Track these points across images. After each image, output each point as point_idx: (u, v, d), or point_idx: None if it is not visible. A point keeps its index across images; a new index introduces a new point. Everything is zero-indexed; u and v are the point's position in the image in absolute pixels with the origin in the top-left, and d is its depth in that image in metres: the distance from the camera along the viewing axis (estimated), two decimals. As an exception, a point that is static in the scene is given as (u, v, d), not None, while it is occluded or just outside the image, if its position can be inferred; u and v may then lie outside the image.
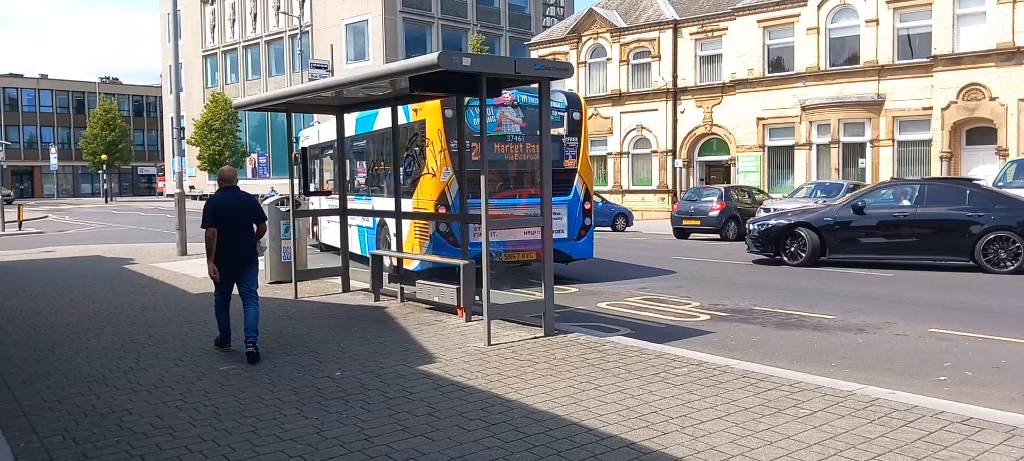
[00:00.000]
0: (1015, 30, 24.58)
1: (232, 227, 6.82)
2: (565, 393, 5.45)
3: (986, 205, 13.27)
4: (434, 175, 11.32)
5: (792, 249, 14.53)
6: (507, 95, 11.55)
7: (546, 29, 47.46)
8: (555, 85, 11.85)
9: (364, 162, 15.31)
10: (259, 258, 7.23)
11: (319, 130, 17.78)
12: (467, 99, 11.10)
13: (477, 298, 7.72)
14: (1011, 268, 12.75)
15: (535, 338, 7.21)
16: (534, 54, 37.95)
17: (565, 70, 7.76)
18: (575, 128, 12.55)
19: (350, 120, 14.16)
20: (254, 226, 7.02)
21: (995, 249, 12.96)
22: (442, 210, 11.10)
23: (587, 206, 12.55)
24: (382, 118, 13.13)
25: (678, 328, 8.42)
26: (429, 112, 11.43)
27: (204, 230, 6.80)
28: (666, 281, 12.47)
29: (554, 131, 11.99)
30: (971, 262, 13.17)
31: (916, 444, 4.32)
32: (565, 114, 12.51)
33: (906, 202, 14.06)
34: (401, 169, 12.98)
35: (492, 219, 7.41)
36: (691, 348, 7.03)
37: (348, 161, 14.50)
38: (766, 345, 7.54)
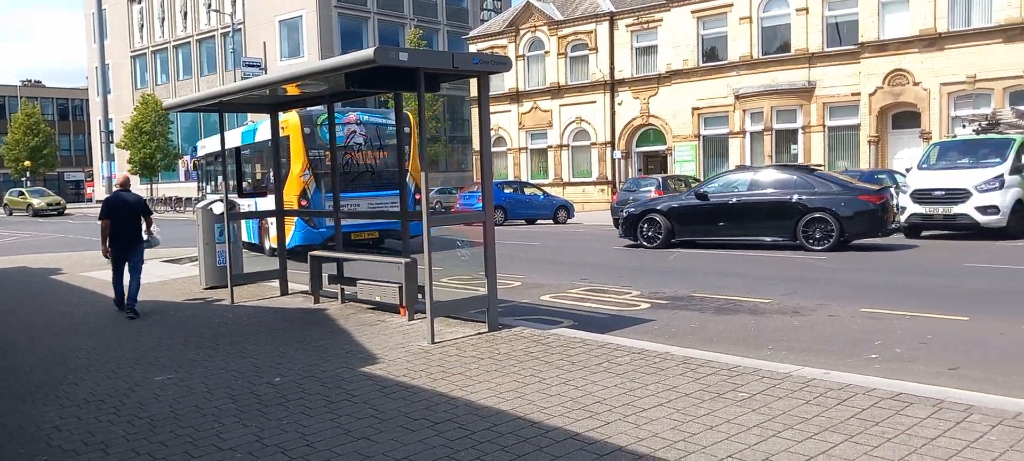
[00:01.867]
0: (936, 16, 25.53)
1: (124, 219, 9.27)
2: (510, 388, 5.45)
3: (809, 189, 14.45)
4: (297, 176, 15.12)
5: (649, 234, 15.82)
6: (351, 115, 15.22)
7: (484, 23, 47.39)
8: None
9: (249, 167, 18.55)
10: (144, 243, 9.63)
11: (249, 131, 18.41)
12: (320, 119, 15.01)
13: (420, 296, 7.67)
14: (825, 246, 13.88)
15: (479, 334, 7.20)
16: (472, 48, 37.87)
17: (503, 64, 7.75)
18: (407, 138, 15.04)
19: (235, 134, 17.61)
20: (141, 218, 9.43)
21: (812, 229, 14.08)
22: (304, 203, 14.84)
23: (418, 197, 14.92)
24: (261, 132, 16.58)
25: (620, 318, 8.50)
26: (292, 129, 15.00)
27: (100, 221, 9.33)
28: (603, 272, 12.60)
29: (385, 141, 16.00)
30: (795, 241, 14.28)
31: (850, 422, 4.45)
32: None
33: (742, 188, 15.32)
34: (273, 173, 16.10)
35: (433, 215, 7.38)
36: (633, 337, 7.11)
37: (236, 166, 17.03)
38: (706, 331, 7.68)
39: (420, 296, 7.65)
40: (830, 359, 6.31)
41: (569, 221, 27.40)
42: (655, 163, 34.52)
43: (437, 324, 7.16)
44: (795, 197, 14.49)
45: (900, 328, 7.44)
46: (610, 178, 34.95)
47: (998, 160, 16.19)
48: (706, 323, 8.07)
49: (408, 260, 7.85)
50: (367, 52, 6.52)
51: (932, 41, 25.63)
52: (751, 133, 30.31)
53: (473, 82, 8.01)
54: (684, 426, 4.51)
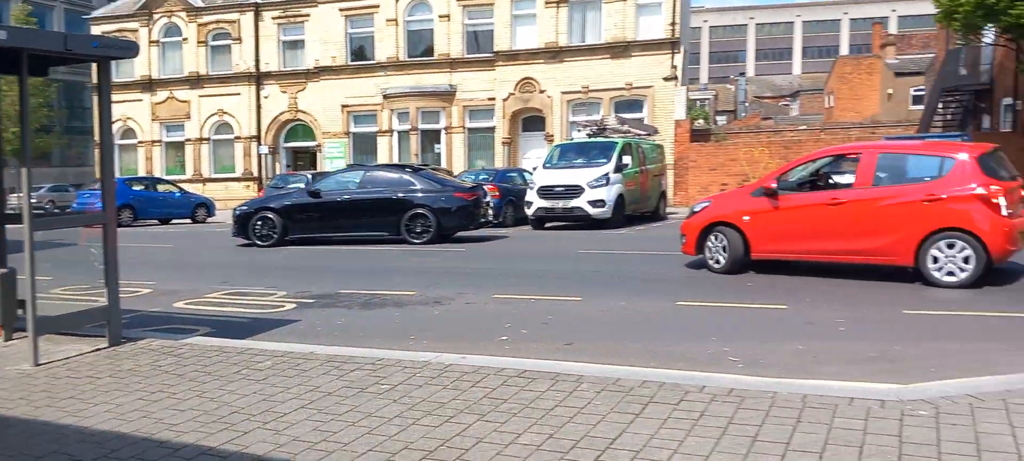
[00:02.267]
0: (558, 32, 28.65)
1: None
2: (134, 407, 4.91)
3: (412, 187, 15.77)
4: None
5: (263, 232, 15.86)
6: None
7: (111, 3, 42.49)
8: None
9: None
10: None
11: None
12: None
13: (20, 312, 6.58)
14: (425, 239, 15.26)
15: (97, 350, 6.38)
16: (96, 30, 33.76)
17: (128, 49, 6.97)
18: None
19: None
20: None
21: (414, 224, 15.44)
22: None
23: None
24: None
25: (264, 320, 8.16)
26: None
27: None
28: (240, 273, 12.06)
29: None
30: (400, 235, 15.49)
31: (482, 402, 4.75)
32: None
33: (353, 186, 16.18)
34: None
35: (38, 218, 6.39)
36: (276, 339, 6.87)
37: None
38: (353, 327, 7.69)
39: (21, 311, 6.56)
40: (467, 344, 6.70)
41: (210, 220, 25.75)
42: (305, 159, 33.92)
43: (44, 343, 6.20)
44: (400, 194, 15.49)
45: (526, 311, 8.19)
46: (256, 174, 33.57)
47: (605, 161, 18.67)
48: (354, 319, 8.09)
49: (3, 271, 6.69)
50: (-46, 27, 5.42)
51: (555, 54, 28.72)
52: (398, 132, 31.24)
53: (95, 67, 7.09)
54: (326, 426, 4.44)
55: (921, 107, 35.61)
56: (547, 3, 28.61)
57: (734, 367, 5.76)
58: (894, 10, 77.22)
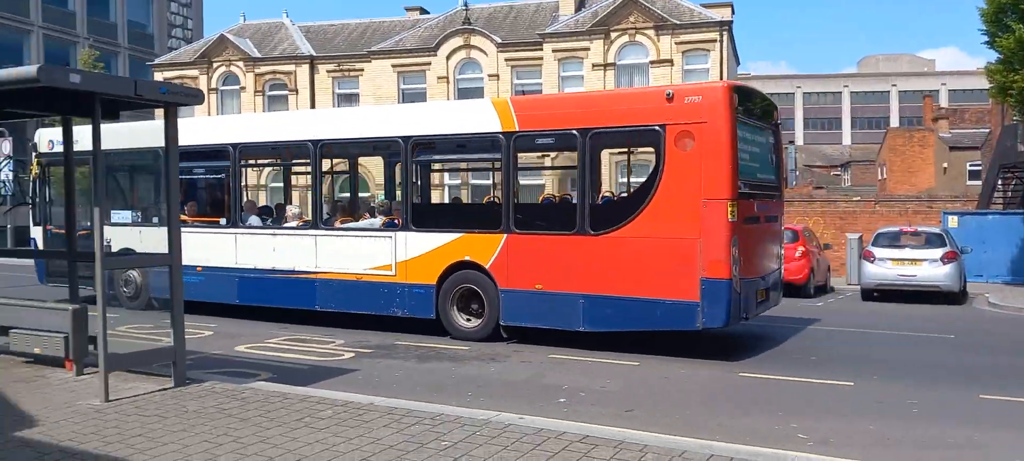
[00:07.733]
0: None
1: None
2: (200, 448, 4.97)
3: None
4: None
5: None
6: None
7: (172, 51, 44.15)
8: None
9: None
10: None
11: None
12: None
13: (91, 348, 6.74)
14: None
15: (164, 390, 6.49)
16: (159, 76, 34.97)
17: (194, 96, 7.26)
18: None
19: None
20: None
21: None
22: None
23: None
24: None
25: (323, 368, 8.24)
26: None
27: None
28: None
29: None
30: None
31: (545, 465, 4.70)
32: None
33: None
34: None
35: (109, 257, 6.60)
36: (336, 388, 6.91)
37: None
38: (410, 380, 7.71)
39: (91, 348, 6.73)
40: (525, 403, 6.65)
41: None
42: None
43: (113, 380, 6.32)
44: None
45: (578, 370, 8.12)
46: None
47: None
48: (412, 372, 8.11)
49: (76, 307, 6.87)
50: (29, 69, 5.77)
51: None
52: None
53: (159, 112, 7.36)
54: (391, 479, 4.44)
55: (978, 182, 34.85)
56: (594, 65, 28.94)
57: (803, 445, 5.64)
58: (944, 84, 76.30)
